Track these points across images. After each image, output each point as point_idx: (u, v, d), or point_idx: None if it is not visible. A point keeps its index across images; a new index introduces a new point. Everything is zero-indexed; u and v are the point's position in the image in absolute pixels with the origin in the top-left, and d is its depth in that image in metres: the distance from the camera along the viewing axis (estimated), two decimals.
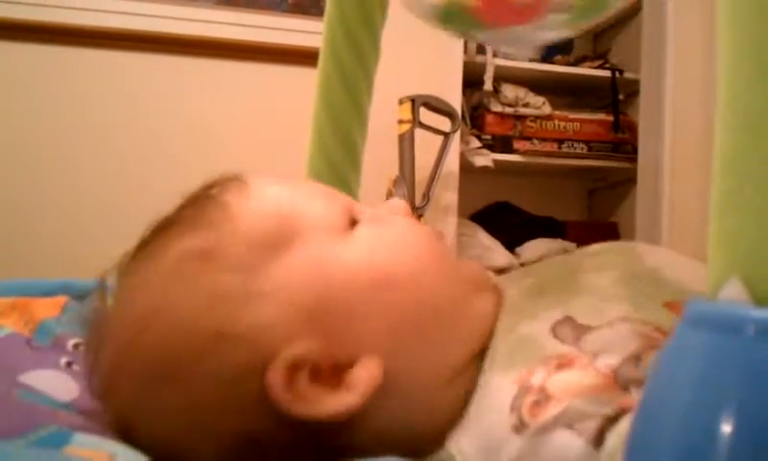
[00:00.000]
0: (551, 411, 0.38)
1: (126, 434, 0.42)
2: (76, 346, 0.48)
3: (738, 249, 0.22)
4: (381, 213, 0.51)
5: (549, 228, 2.75)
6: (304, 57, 1.90)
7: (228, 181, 0.49)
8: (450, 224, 2.35)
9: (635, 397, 0.39)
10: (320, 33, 0.76)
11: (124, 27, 2.12)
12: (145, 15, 2.13)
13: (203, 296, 0.43)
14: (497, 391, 0.42)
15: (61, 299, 0.63)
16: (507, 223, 2.71)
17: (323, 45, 0.75)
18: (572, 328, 0.45)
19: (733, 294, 0.21)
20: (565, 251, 2.58)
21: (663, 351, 0.22)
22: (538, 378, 0.41)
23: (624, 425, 0.36)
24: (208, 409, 0.41)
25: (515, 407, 0.40)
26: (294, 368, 0.41)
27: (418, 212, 2.07)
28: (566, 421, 0.38)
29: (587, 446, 0.36)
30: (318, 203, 0.49)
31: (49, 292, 0.64)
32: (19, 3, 2.04)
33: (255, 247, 0.44)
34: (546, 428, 0.38)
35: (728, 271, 0.22)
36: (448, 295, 0.48)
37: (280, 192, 0.49)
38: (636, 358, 0.41)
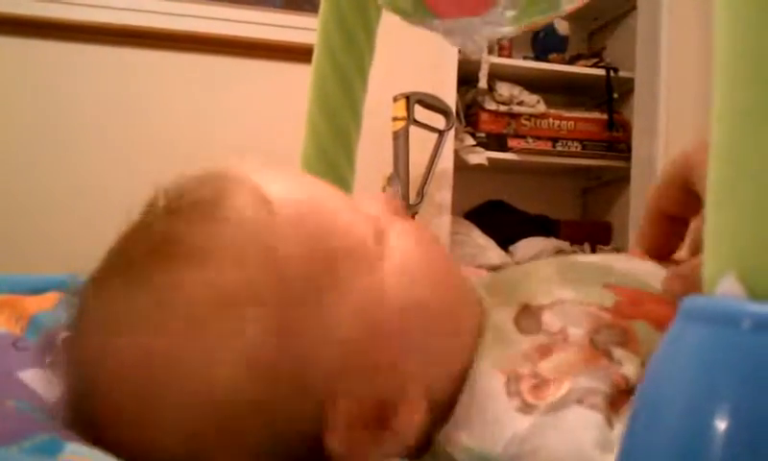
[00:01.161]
0: (556, 391, 0.39)
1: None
2: (66, 340, 0.47)
3: (735, 243, 0.22)
4: (398, 225, 0.47)
5: (543, 226, 2.76)
6: (299, 53, 1.90)
7: (237, 187, 0.41)
8: (444, 222, 2.35)
9: (618, 358, 0.41)
10: (314, 29, 0.75)
11: (119, 22, 2.12)
12: (140, 11, 2.13)
13: (235, 356, 0.38)
14: (484, 381, 0.42)
15: (54, 295, 0.62)
16: (501, 221, 2.71)
17: (317, 41, 0.75)
18: (531, 315, 0.46)
19: (730, 288, 0.21)
20: (559, 249, 2.59)
21: (660, 345, 0.22)
22: (525, 368, 0.41)
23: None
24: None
25: (512, 393, 0.40)
26: (350, 425, 0.39)
27: (412, 210, 2.07)
28: (576, 397, 0.38)
29: (601, 419, 0.37)
30: (348, 220, 0.44)
31: (43, 288, 0.64)
32: None
33: (294, 287, 0.39)
34: (557, 406, 0.38)
35: (724, 266, 0.22)
36: (464, 316, 0.47)
37: (309, 211, 0.43)
38: (595, 332, 0.43)
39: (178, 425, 0.38)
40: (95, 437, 0.38)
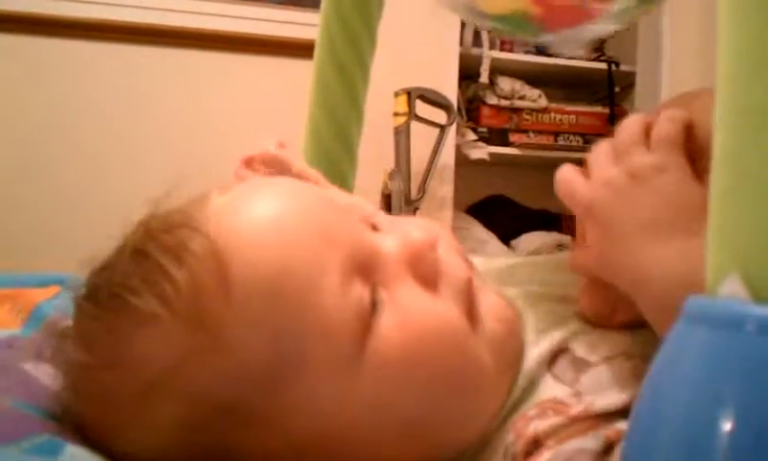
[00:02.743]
0: (545, 456, 0.38)
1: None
2: (65, 330, 0.47)
3: (738, 245, 0.22)
4: (401, 292, 0.41)
5: (545, 221, 2.75)
6: (300, 49, 1.89)
7: (190, 242, 0.38)
8: (446, 217, 2.35)
9: (619, 427, 0.38)
10: (316, 25, 0.75)
11: (123, 19, 2.11)
12: (142, 8, 2.13)
13: (182, 419, 0.37)
14: (495, 437, 0.42)
15: (54, 288, 0.62)
16: (502, 216, 2.71)
17: (318, 37, 0.75)
18: (570, 364, 0.43)
19: (733, 290, 0.21)
20: (561, 244, 2.59)
21: (662, 347, 0.22)
22: (533, 428, 0.40)
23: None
24: None
25: (507, 455, 0.40)
26: None
27: (413, 205, 2.07)
28: (562, 459, 0.37)
29: None
30: (329, 303, 0.38)
31: (43, 284, 0.64)
32: None
33: (246, 369, 0.37)
34: None
35: (727, 267, 0.22)
36: (461, 412, 0.42)
37: (273, 283, 0.37)
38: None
39: None
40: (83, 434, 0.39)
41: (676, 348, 0.22)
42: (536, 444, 0.39)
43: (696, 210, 0.36)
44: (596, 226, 0.41)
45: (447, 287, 0.42)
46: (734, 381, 0.20)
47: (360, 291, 0.39)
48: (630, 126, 0.41)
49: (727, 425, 0.19)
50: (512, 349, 0.44)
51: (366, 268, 0.40)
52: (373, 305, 0.39)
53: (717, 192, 0.22)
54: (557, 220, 2.79)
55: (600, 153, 0.42)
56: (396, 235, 0.43)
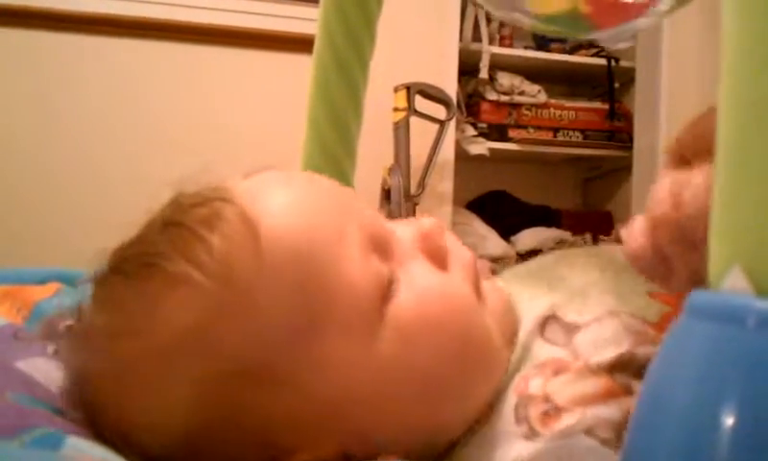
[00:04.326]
0: (566, 421, 0.38)
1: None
2: (68, 329, 0.47)
3: (740, 239, 0.22)
4: (414, 271, 0.43)
5: (544, 216, 2.76)
6: (300, 43, 1.89)
7: (223, 211, 0.40)
8: (445, 212, 2.35)
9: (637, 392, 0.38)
10: (315, 19, 0.75)
11: (123, 13, 2.11)
12: (142, 2, 2.12)
13: (204, 381, 0.38)
14: (498, 402, 0.42)
15: (54, 285, 0.62)
16: (502, 211, 2.71)
17: (318, 32, 0.74)
18: (561, 328, 0.45)
19: (736, 284, 0.21)
20: (561, 240, 2.59)
21: (665, 341, 0.22)
22: (536, 386, 0.41)
23: None
24: None
25: (520, 418, 0.40)
26: None
27: (413, 201, 2.07)
28: (583, 427, 0.38)
29: (609, 453, 0.36)
30: (351, 272, 0.40)
31: (42, 280, 0.64)
32: None
33: (273, 328, 0.38)
34: (564, 435, 0.38)
35: (730, 261, 0.22)
36: (473, 375, 0.43)
37: (304, 261, 0.39)
38: (630, 355, 0.41)
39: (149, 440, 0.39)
40: (93, 422, 0.40)
41: (679, 341, 0.22)
42: (548, 402, 0.40)
43: None
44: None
45: (456, 266, 0.45)
46: (737, 374, 0.20)
47: (378, 265, 0.41)
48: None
49: (729, 418, 0.19)
50: (511, 323, 0.47)
51: (381, 247, 0.43)
52: (390, 279, 0.42)
53: (721, 187, 0.22)
54: (556, 215, 2.79)
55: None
56: (409, 224, 0.46)
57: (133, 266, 0.40)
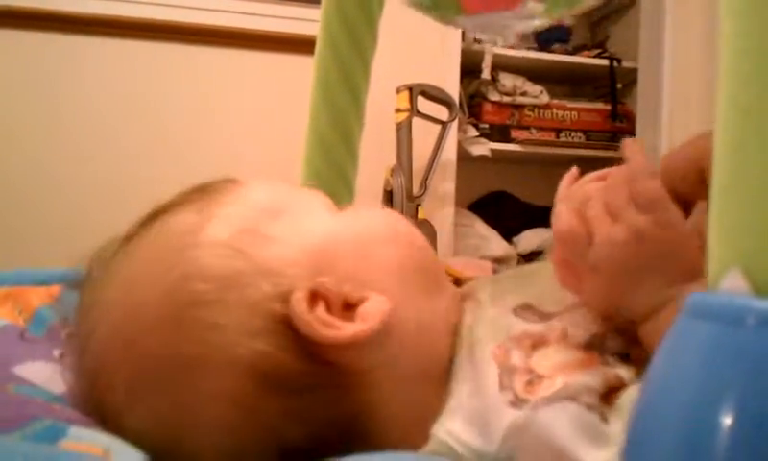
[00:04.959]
0: (550, 388, 0.39)
1: (118, 418, 0.41)
2: (70, 336, 0.47)
3: (739, 240, 0.22)
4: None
5: (546, 217, 2.74)
6: (302, 45, 1.89)
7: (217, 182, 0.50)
8: (448, 213, 2.35)
9: (616, 369, 0.41)
10: (317, 20, 0.75)
11: (123, 14, 2.11)
12: (143, 3, 2.13)
13: (216, 245, 0.43)
14: (479, 370, 0.43)
15: (56, 288, 0.62)
16: (504, 212, 2.71)
17: (320, 33, 0.74)
18: (535, 314, 0.47)
19: (734, 285, 0.21)
20: None
21: (664, 342, 0.22)
22: (518, 358, 0.42)
23: (625, 399, 0.38)
24: (225, 342, 0.41)
25: (504, 386, 0.41)
26: (313, 296, 0.42)
27: (415, 202, 2.07)
28: (568, 393, 0.38)
29: (594, 418, 0.37)
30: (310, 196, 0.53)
31: (45, 281, 0.64)
32: None
33: (257, 211, 0.46)
34: (549, 400, 0.39)
35: (728, 262, 0.22)
36: (434, 263, 0.53)
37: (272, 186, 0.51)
38: (602, 338, 0.43)
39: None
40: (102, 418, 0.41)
41: (678, 342, 0.22)
42: (531, 373, 0.41)
43: (694, 253, 0.41)
44: (599, 277, 0.44)
45: None
46: (736, 375, 0.20)
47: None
48: (618, 186, 0.45)
49: (728, 419, 0.19)
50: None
51: None
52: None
53: (719, 188, 0.22)
54: None
55: (596, 210, 0.45)
56: None
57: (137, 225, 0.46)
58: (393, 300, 0.44)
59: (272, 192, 0.50)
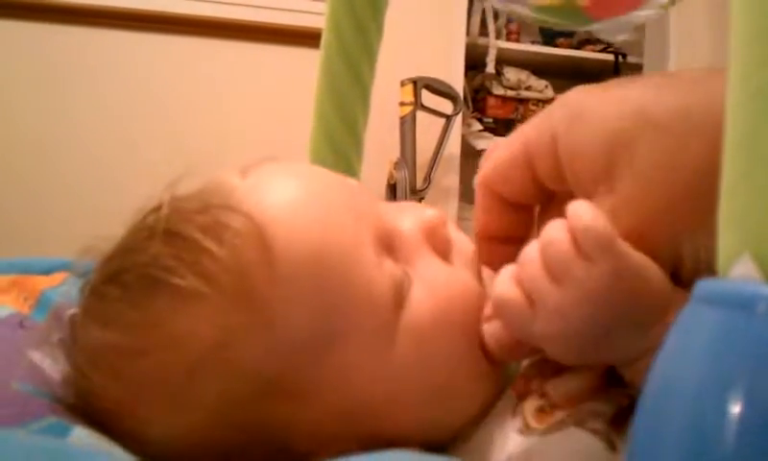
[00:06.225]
0: (558, 416, 0.38)
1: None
2: (73, 317, 0.47)
3: (750, 227, 0.22)
4: (426, 269, 0.43)
5: None
6: (307, 37, 1.89)
7: (229, 219, 0.38)
8: (451, 207, 2.35)
9: (629, 389, 0.38)
10: (322, 13, 0.75)
11: (130, 6, 2.12)
12: None
13: (223, 399, 0.38)
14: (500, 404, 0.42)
15: (60, 275, 0.63)
16: None
17: (325, 26, 0.74)
18: None
19: (744, 271, 0.21)
20: None
21: (672, 329, 0.22)
22: (534, 380, 0.41)
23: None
24: None
25: (516, 412, 0.40)
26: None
27: (419, 195, 2.07)
28: (575, 420, 0.38)
29: (599, 444, 0.36)
30: (364, 277, 0.40)
31: (49, 270, 0.64)
32: None
33: (292, 341, 0.38)
34: (555, 428, 0.38)
35: (738, 249, 0.21)
36: (477, 382, 0.43)
37: (316, 268, 0.38)
38: None
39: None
40: (94, 419, 0.39)
41: (686, 329, 0.22)
42: (543, 398, 0.40)
43: (656, 294, 0.35)
44: (556, 348, 0.38)
45: (459, 258, 0.45)
46: (745, 362, 0.20)
47: (392, 268, 0.41)
48: (556, 239, 0.36)
49: (737, 407, 0.19)
50: None
51: (389, 245, 0.43)
52: (404, 282, 0.41)
53: (730, 176, 0.22)
54: None
55: (535, 274, 0.36)
56: (411, 215, 0.45)
57: (133, 278, 0.38)
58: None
59: (316, 292, 0.38)
